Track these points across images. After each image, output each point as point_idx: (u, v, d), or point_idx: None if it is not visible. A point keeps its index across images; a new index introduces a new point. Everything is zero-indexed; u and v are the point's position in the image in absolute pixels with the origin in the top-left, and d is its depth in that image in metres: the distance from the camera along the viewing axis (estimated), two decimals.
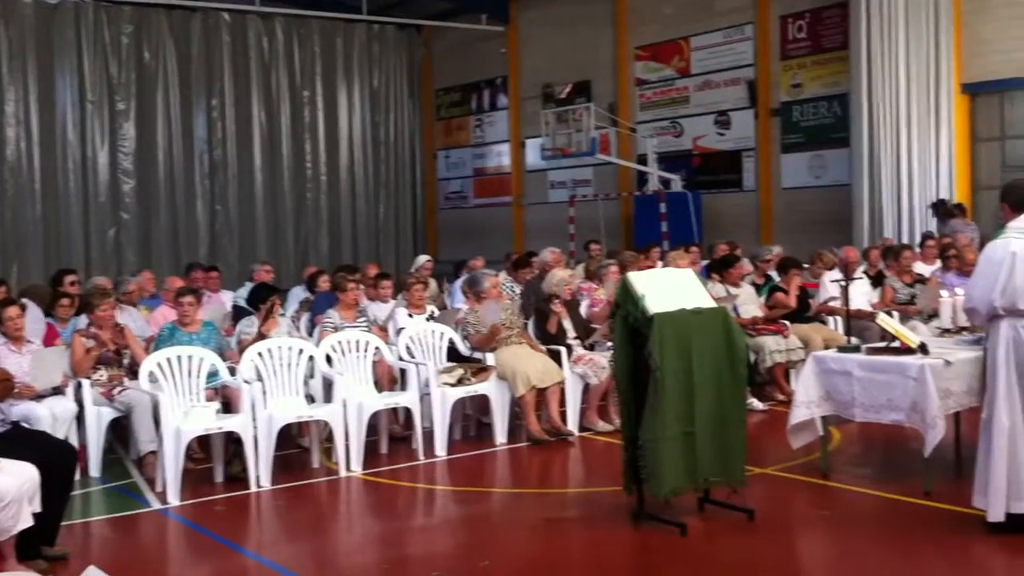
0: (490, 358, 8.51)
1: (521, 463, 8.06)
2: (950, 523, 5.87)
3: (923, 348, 6.51)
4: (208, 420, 7.19)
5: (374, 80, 23.75)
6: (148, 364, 7.46)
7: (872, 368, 6.54)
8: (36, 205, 19.86)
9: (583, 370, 8.70)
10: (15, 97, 19.59)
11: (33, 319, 8.24)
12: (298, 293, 11.49)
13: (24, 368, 7.29)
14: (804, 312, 10.20)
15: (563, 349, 8.83)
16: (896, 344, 6.65)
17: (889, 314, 8.84)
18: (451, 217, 24.56)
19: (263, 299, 8.52)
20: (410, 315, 9.33)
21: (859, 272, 10.78)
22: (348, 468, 7.60)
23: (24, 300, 8.59)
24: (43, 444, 5.84)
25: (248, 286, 10.77)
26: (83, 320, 8.35)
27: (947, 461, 7.01)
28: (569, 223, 19.51)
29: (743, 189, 18.26)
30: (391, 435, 8.46)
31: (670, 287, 6.08)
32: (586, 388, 8.76)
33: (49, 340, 8.12)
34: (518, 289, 11.05)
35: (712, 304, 6.20)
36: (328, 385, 8.02)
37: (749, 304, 9.85)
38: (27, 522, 5.24)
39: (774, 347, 9.48)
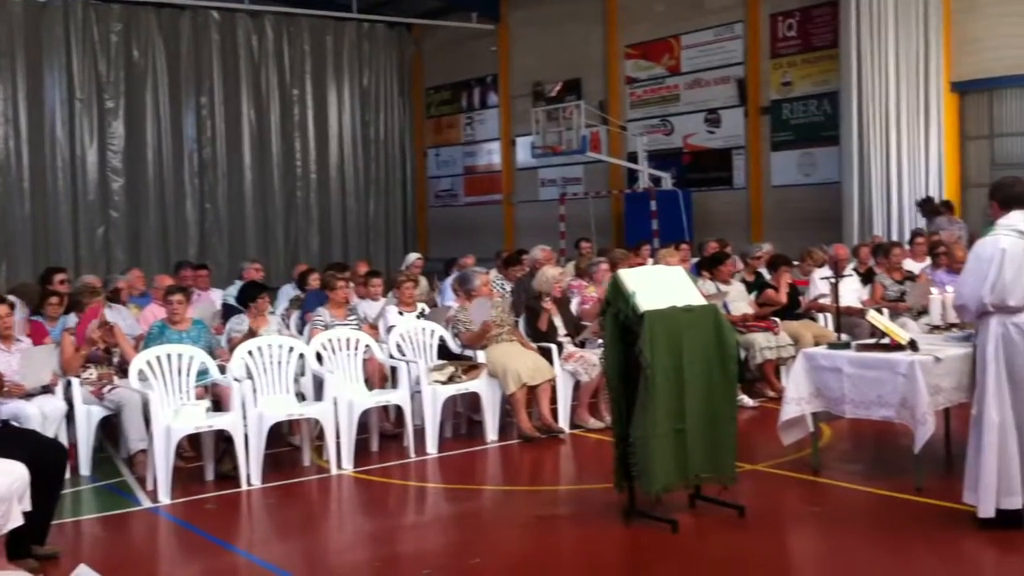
0: (481, 356, 8.51)
1: (512, 460, 8.07)
2: (940, 519, 5.89)
3: (913, 345, 6.53)
4: (198, 418, 7.17)
5: (364, 78, 23.72)
6: (138, 362, 7.44)
7: (862, 365, 6.56)
8: (25, 203, 19.80)
9: (574, 367, 8.71)
10: (3, 95, 19.54)
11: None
12: (288, 291, 11.47)
13: (13, 367, 7.27)
14: (794, 309, 10.22)
15: (554, 347, 8.84)
16: (886, 341, 6.67)
17: (879, 311, 8.88)
18: (441, 215, 24.55)
19: (253, 297, 8.51)
20: (400, 313, 9.33)
21: (849, 269, 10.80)
22: (339, 466, 7.59)
23: (11, 298, 8.55)
24: (33, 443, 5.82)
25: (238, 284, 10.76)
26: (72, 319, 8.32)
27: (937, 457, 7.03)
28: (560, 221, 19.51)
29: (733, 187, 18.29)
30: (382, 433, 8.45)
31: (660, 285, 6.08)
32: (577, 385, 8.77)
33: (38, 339, 8.09)
34: (509, 287, 11.06)
35: (702, 301, 6.21)
36: (319, 383, 8.01)
37: (739, 301, 9.86)
38: (17, 521, 5.22)
39: (764, 344, 9.50)
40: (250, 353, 7.68)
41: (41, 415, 7.13)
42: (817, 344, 8.56)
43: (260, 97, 22.26)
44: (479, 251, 15.04)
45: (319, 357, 8.15)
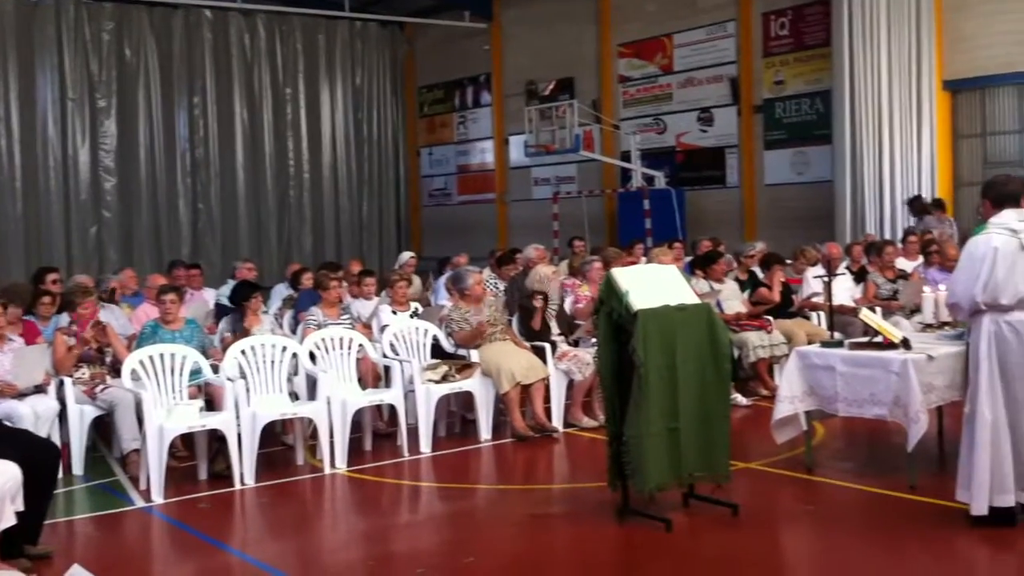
0: (474, 355, 8.50)
1: (506, 459, 8.06)
2: (934, 517, 5.90)
3: (906, 343, 6.53)
4: (191, 418, 7.16)
5: (357, 77, 23.71)
6: (130, 362, 7.42)
7: (855, 363, 6.56)
8: (17, 203, 19.78)
9: (567, 366, 8.70)
10: None
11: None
12: (281, 290, 11.46)
13: (6, 366, 7.26)
14: (787, 308, 10.23)
15: (547, 345, 8.84)
16: (879, 339, 6.67)
17: (872, 309, 8.90)
18: (435, 214, 24.55)
19: (246, 297, 8.50)
20: (394, 312, 9.31)
21: (842, 268, 10.82)
22: (332, 465, 7.58)
23: None
24: (25, 442, 5.80)
25: (231, 284, 10.74)
26: (65, 318, 8.30)
27: (930, 455, 7.05)
28: (553, 220, 19.53)
29: (726, 186, 18.32)
30: (375, 432, 8.45)
31: (654, 283, 6.08)
32: (570, 384, 8.77)
33: (30, 338, 8.07)
34: (502, 286, 11.05)
35: (696, 300, 6.21)
36: (312, 382, 8.00)
37: (732, 300, 9.87)
38: (10, 521, 5.21)
39: (757, 343, 9.51)
40: (243, 353, 7.68)
41: (34, 415, 7.11)
42: (810, 342, 8.57)
43: (253, 96, 22.25)
44: (472, 250, 15.04)
45: (312, 356, 8.14)
